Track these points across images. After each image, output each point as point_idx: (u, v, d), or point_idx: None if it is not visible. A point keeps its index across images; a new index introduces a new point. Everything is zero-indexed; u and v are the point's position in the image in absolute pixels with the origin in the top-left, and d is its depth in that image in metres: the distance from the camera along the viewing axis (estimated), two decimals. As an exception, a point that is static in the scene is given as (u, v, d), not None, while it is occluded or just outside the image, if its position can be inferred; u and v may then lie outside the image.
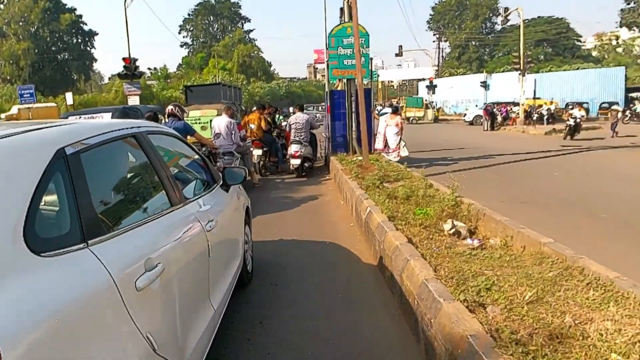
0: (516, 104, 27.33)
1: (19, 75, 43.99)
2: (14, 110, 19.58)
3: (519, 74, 25.15)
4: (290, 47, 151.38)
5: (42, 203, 1.34)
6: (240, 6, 66.16)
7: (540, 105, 25.56)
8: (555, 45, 55.82)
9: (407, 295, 3.04)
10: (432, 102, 35.17)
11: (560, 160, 11.80)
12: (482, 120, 26.48)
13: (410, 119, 31.66)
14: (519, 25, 26.91)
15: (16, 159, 1.36)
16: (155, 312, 1.64)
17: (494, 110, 24.87)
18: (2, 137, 1.40)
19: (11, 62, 44.62)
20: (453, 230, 4.09)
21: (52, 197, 1.44)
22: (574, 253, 3.17)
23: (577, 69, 39.11)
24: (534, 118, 23.72)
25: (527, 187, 8.10)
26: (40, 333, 1.10)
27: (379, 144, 10.70)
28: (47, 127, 1.68)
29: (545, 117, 24.10)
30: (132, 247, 1.64)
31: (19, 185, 1.29)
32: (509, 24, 36.30)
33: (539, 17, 56.75)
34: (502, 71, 42.42)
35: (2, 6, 46.14)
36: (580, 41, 57.32)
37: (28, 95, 19.47)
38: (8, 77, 43.45)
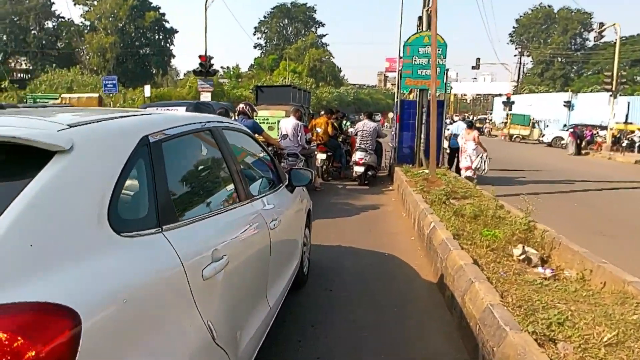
0: (603, 128, 25.17)
1: (104, 66, 48.09)
2: (63, 97, 21.72)
3: (610, 95, 23.15)
4: (361, 53, 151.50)
5: (125, 187, 1.43)
6: (315, 10, 67.37)
7: (632, 131, 23.29)
8: (654, 66, 50.83)
9: (467, 318, 2.88)
10: (540, 121, 32.49)
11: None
12: (562, 142, 24.71)
13: (514, 137, 29.91)
14: (614, 43, 24.79)
15: (106, 143, 1.46)
16: (217, 302, 1.68)
17: (583, 132, 22.84)
18: (94, 122, 1.50)
19: (99, 54, 48.92)
20: (523, 256, 3.83)
21: (134, 182, 1.52)
22: (664, 296, 2.83)
23: (679, 93, 35.26)
24: (623, 144, 21.68)
25: (609, 218, 7.40)
26: (115, 309, 1.16)
27: (465, 162, 10.04)
28: (132, 116, 1.78)
29: (637, 144, 21.89)
30: (202, 237, 1.70)
31: (107, 168, 1.38)
32: (602, 40, 33.51)
33: (638, 34, 52.04)
34: (590, 91, 39.34)
35: (95, 3, 50.82)
36: (684, 63, 51.68)
37: (111, 85, 21.00)
38: (95, 68, 47.68)
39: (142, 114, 1.88)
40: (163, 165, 1.62)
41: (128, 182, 1.45)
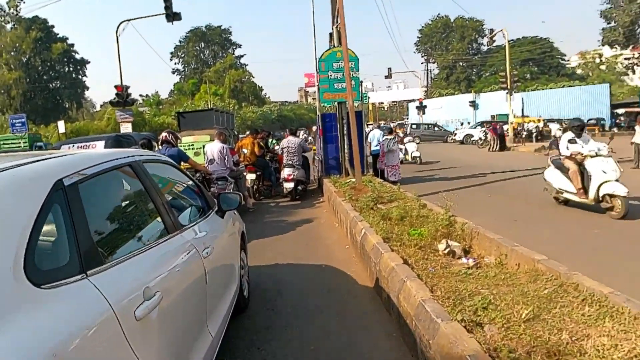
0: (504, 122, 27.78)
1: (10, 104, 44.14)
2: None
3: (507, 92, 25.67)
4: (280, 71, 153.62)
5: (41, 235, 1.36)
6: (230, 32, 67.28)
7: (529, 123, 26.00)
8: (540, 64, 57.13)
9: (404, 317, 3.04)
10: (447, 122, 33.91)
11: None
12: (472, 139, 26.74)
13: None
14: (505, 46, 27.59)
15: (15, 191, 1.38)
16: (154, 341, 1.63)
17: (502, 128, 22.53)
18: (1, 170, 1.41)
19: (2, 91, 44.83)
20: (448, 250, 4.12)
21: (51, 228, 1.45)
22: (567, 269, 3.20)
23: (563, 86, 40.00)
24: (523, 136, 24.07)
25: (518, 204, 8.17)
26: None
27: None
28: (44, 159, 1.70)
29: (534, 135, 24.46)
30: (131, 277, 1.65)
31: (19, 218, 1.31)
32: (494, 44, 37.18)
33: (523, 37, 58.22)
34: (490, 90, 43.25)
35: (-7, 37, 46.58)
36: (564, 60, 58.74)
37: (20, 124, 19.44)
38: (-1, 107, 43.61)
39: (55, 156, 1.79)
40: (82, 208, 1.57)
41: (45, 229, 1.39)
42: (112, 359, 1.39)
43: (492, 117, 29.28)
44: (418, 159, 16.17)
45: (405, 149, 16.36)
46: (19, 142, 20.46)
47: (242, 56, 66.97)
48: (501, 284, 3.25)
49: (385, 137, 11.51)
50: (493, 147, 21.59)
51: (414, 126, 33.14)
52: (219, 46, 66.50)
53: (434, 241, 4.39)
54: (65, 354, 1.18)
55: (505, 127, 26.34)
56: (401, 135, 16.90)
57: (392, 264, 3.59)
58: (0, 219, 1.26)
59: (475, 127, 29.10)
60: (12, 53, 46.57)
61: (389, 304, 3.49)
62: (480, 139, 24.88)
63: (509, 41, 27.37)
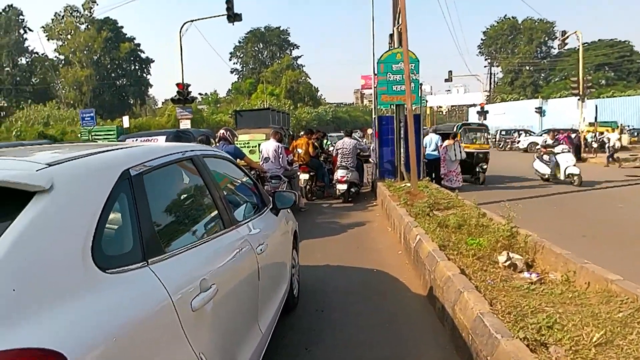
0: (574, 131, 25.99)
1: (81, 100, 47.79)
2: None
3: (578, 99, 23.98)
4: (337, 72, 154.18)
5: (108, 222, 1.41)
6: (289, 33, 68.51)
7: (602, 132, 24.07)
8: (618, 69, 53.02)
9: (460, 329, 2.90)
10: (629, 126, 29.36)
11: (625, 191, 11.00)
12: (537, 147, 25.20)
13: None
14: (578, 49, 25.82)
15: (87, 180, 1.45)
16: (208, 332, 1.65)
17: (578, 137, 20.14)
18: (73, 159, 1.49)
19: (75, 87, 48.60)
20: (508, 262, 3.88)
21: (117, 217, 1.51)
22: (647, 293, 2.90)
23: (643, 93, 36.79)
24: (594, 146, 22.33)
25: (588, 220, 7.59)
26: (104, 348, 1.14)
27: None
28: (112, 150, 1.78)
29: (607, 145, 22.53)
30: (189, 268, 1.69)
31: (89, 204, 1.37)
32: (566, 47, 34.89)
33: (599, 40, 54.35)
34: (559, 96, 40.70)
35: (69, 37, 50.66)
36: (646, 64, 54.11)
37: (89, 118, 20.72)
38: (71, 102, 47.24)
39: (122, 148, 1.87)
40: (146, 198, 1.62)
41: (111, 217, 1.44)
42: (168, 347, 1.41)
43: (593, 123, 24.54)
44: (576, 177, 11.25)
45: (556, 162, 11.84)
46: (109, 133, 21.96)
47: (299, 57, 68.13)
48: (568, 302, 3.01)
49: (447, 142, 11.28)
50: (608, 163, 17.94)
51: (502, 132, 31.52)
52: (277, 47, 67.96)
53: (494, 252, 4.17)
54: (125, 338, 1.21)
55: (574, 136, 24.59)
56: (550, 141, 12.56)
57: (448, 273, 3.44)
58: (72, 205, 1.32)
59: (540, 135, 27.43)
60: (85, 52, 50.41)
61: (443, 315, 3.34)
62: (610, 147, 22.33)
63: (583, 44, 25.60)
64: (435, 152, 11.32)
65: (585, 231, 6.62)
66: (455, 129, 12.75)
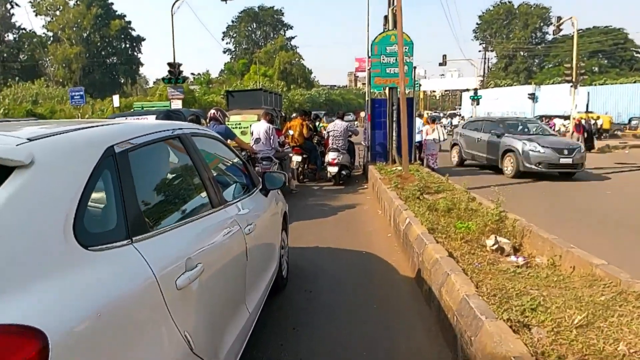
0: (566, 117, 26.10)
1: (71, 78, 46.86)
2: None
3: (571, 86, 24.02)
4: (331, 54, 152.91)
5: (91, 199, 1.39)
6: (283, 13, 67.49)
7: (594, 119, 24.21)
8: (611, 56, 53.10)
9: (445, 311, 2.94)
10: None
11: (615, 178, 11.14)
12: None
13: None
14: (572, 35, 25.75)
15: (69, 155, 1.41)
16: (193, 311, 1.65)
17: (589, 124, 18.36)
18: (55, 134, 1.45)
19: (64, 65, 47.56)
20: (496, 246, 3.93)
21: (101, 194, 1.48)
22: (629, 277, 2.96)
23: (635, 82, 36.89)
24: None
25: (575, 206, 7.69)
26: (86, 325, 1.13)
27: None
28: (97, 126, 1.75)
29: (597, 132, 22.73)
30: (174, 246, 1.67)
31: (71, 181, 1.34)
32: (561, 34, 34.74)
33: (594, 27, 54.21)
34: (552, 83, 40.71)
35: (57, 12, 49.36)
36: (639, 53, 54.17)
37: (78, 97, 20.30)
38: (60, 80, 46.29)
39: (107, 124, 1.83)
40: (131, 175, 1.59)
41: (95, 194, 1.41)
42: (152, 325, 1.41)
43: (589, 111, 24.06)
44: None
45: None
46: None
47: (293, 38, 67.28)
48: (553, 286, 3.06)
49: (428, 126, 11.58)
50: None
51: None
52: (271, 27, 66.98)
53: (482, 236, 4.21)
54: (108, 315, 1.20)
55: (566, 123, 24.67)
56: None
57: (436, 256, 3.47)
58: (53, 181, 1.30)
59: (577, 124, 27.36)
60: (74, 28, 49.26)
61: (430, 297, 3.38)
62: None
63: (577, 30, 25.51)
64: (418, 136, 11.53)
65: (572, 216, 6.72)
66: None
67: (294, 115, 10.96)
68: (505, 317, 2.38)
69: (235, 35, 66.82)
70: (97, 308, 1.17)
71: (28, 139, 1.31)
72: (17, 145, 1.26)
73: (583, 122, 18.25)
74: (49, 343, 0.99)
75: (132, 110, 20.18)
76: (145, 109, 18.34)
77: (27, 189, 1.19)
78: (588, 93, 29.55)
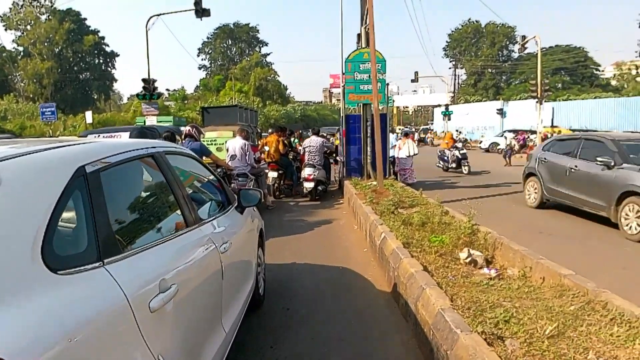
0: (533, 132, 27.06)
1: (42, 93, 45.62)
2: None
3: (536, 101, 25.01)
4: (306, 70, 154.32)
5: (61, 220, 1.35)
6: (258, 30, 67.87)
7: (559, 133, 25.21)
8: (573, 73, 55.57)
9: (422, 325, 2.96)
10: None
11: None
12: (499, 147, 26.08)
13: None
14: (537, 53, 26.90)
15: (37, 176, 1.38)
16: (168, 333, 1.62)
17: (524, 139, 20.67)
18: (25, 154, 1.42)
19: (35, 80, 46.32)
20: (469, 259, 4.01)
21: (71, 215, 1.45)
22: (596, 286, 3.06)
23: (595, 97, 38.70)
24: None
25: (544, 218, 7.93)
26: (52, 352, 1.08)
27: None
28: (68, 145, 1.71)
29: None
30: (147, 268, 1.64)
31: (39, 202, 1.31)
32: (526, 52, 36.30)
33: (556, 45, 56.76)
34: (519, 99, 42.23)
35: (28, 27, 48.22)
36: (599, 70, 56.96)
37: (49, 113, 19.80)
38: (31, 95, 45.02)
39: (78, 144, 1.80)
40: (102, 196, 1.56)
41: (65, 216, 1.38)
42: (125, 349, 1.37)
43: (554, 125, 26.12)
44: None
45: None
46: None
47: (268, 54, 67.57)
48: (524, 297, 3.13)
49: (400, 141, 11.83)
50: (508, 162, 18.06)
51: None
52: (246, 44, 67.20)
53: (456, 249, 4.28)
54: (78, 339, 1.16)
55: (533, 137, 25.58)
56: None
57: (411, 270, 3.51)
58: (21, 202, 1.26)
59: (501, 135, 28.46)
60: (46, 43, 48.14)
61: (406, 311, 3.41)
62: (507, 145, 23.87)
63: (541, 49, 26.69)
64: (391, 151, 11.68)
65: (542, 228, 6.91)
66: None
67: (270, 131, 10.96)
68: (480, 330, 2.42)
69: (210, 51, 66.73)
70: (64, 334, 1.13)
71: None
72: None
73: (549, 135, 19.05)
74: None
75: (138, 124, 19.66)
76: (159, 123, 17.95)
77: None
78: (553, 108, 30.79)
